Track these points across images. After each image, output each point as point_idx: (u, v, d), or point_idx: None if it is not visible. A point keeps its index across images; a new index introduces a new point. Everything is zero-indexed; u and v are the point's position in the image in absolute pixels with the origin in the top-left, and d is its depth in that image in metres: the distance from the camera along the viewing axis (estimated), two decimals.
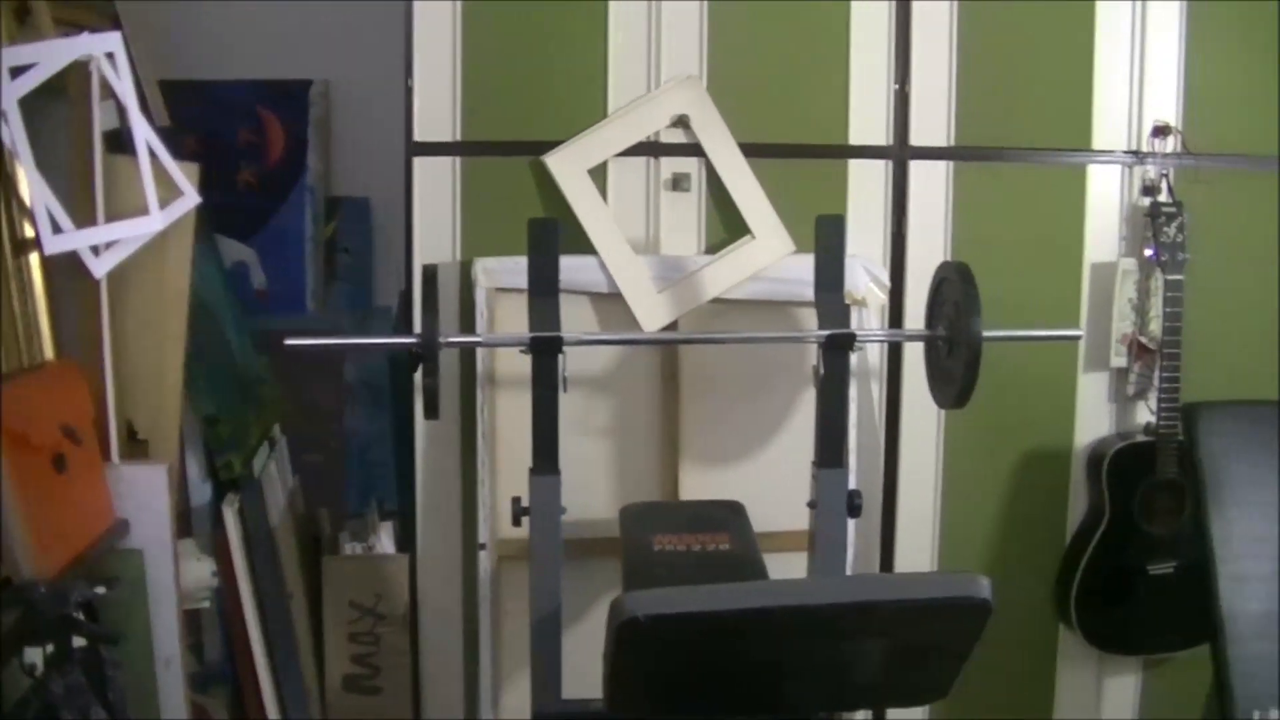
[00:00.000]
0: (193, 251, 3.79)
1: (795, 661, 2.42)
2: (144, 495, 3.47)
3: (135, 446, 3.60)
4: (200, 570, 3.75)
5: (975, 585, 2.40)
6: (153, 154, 3.66)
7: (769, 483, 4.31)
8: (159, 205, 3.63)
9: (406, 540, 4.41)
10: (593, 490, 4.29)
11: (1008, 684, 4.64)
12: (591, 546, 4.23)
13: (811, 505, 3.84)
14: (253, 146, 4.89)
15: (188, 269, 3.73)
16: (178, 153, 3.75)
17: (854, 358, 4.19)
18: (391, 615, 4.36)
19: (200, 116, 4.84)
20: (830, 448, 3.78)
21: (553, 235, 3.75)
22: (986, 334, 3.61)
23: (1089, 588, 4.44)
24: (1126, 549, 4.43)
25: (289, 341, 3.64)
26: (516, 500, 3.74)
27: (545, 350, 3.65)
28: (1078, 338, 4.08)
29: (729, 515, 3.93)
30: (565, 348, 3.66)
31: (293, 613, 4.19)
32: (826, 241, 3.82)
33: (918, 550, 4.52)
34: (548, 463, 3.69)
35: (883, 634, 2.44)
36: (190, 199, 3.70)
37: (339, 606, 4.35)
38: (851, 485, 4.15)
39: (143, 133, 3.64)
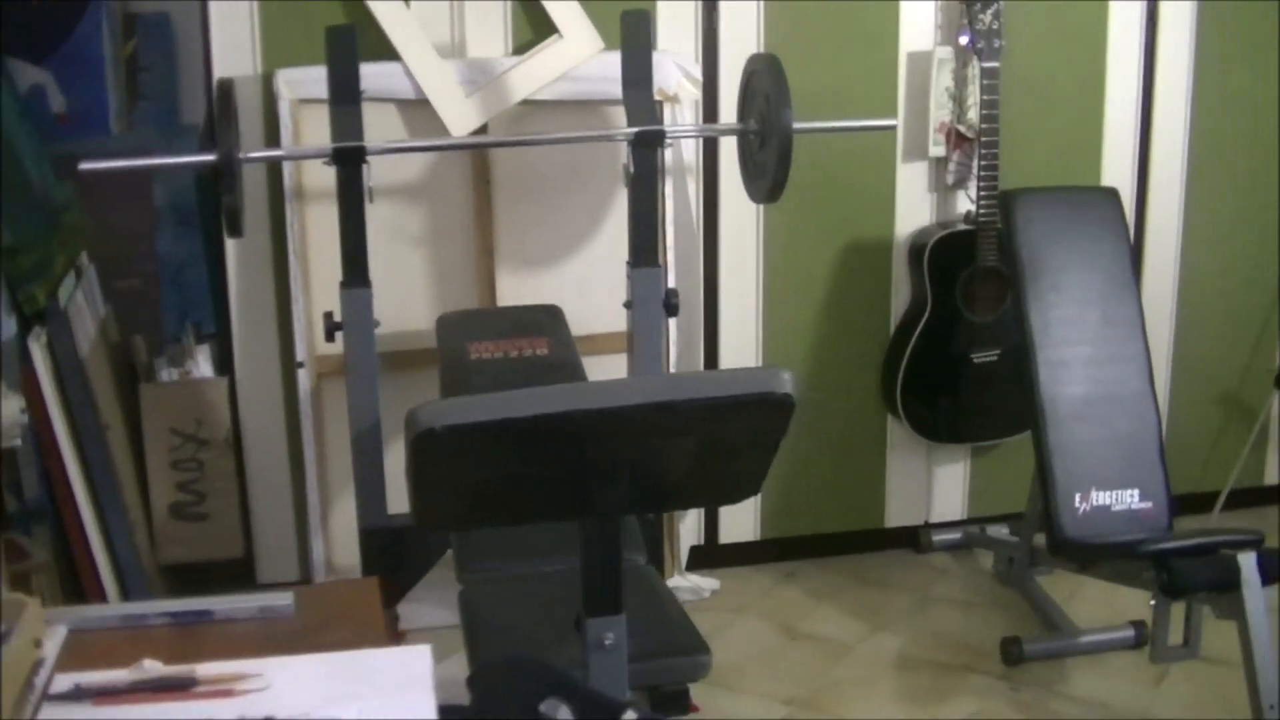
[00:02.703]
0: None
1: (600, 465, 2.38)
2: None
3: None
4: (9, 408, 3.63)
5: (776, 380, 2.37)
6: None
7: (587, 285, 4.28)
8: None
9: (225, 363, 4.32)
10: (410, 301, 4.23)
11: (840, 475, 4.70)
12: (411, 358, 4.19)
13: (628, 306, 3.80)
14: None
15: None
16: None
17: (668, 155, 4.16)
18: (214, 440, 4.27)
19: None
20: (644, 247, 3.74)
21: (350, 42, 3.65)
22: (797, 126, 3.57)
23: (914, 378, 4.47)
24: (950, 338, 4.45)
25: (84, 165, 3.54)
26: (328, 315, 3.68)
27: (349, 161, 3.56)
28: (891, 127, 4.04)
29: (546, 319, 3.90)
30: (370, 157, 3.58)
31: (111, 444, 4.08)
32: (632, 37, 3.75)
33: (742, 346, 4.52)
34: (357, 275, 3.63)
35: (686, 434, 2.40)
36: None
37: (159, 434, 4.25)
38: (670, 284, 4.13)
39: None
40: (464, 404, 2.34)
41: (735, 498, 2.65)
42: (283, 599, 2.24)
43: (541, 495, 2.49)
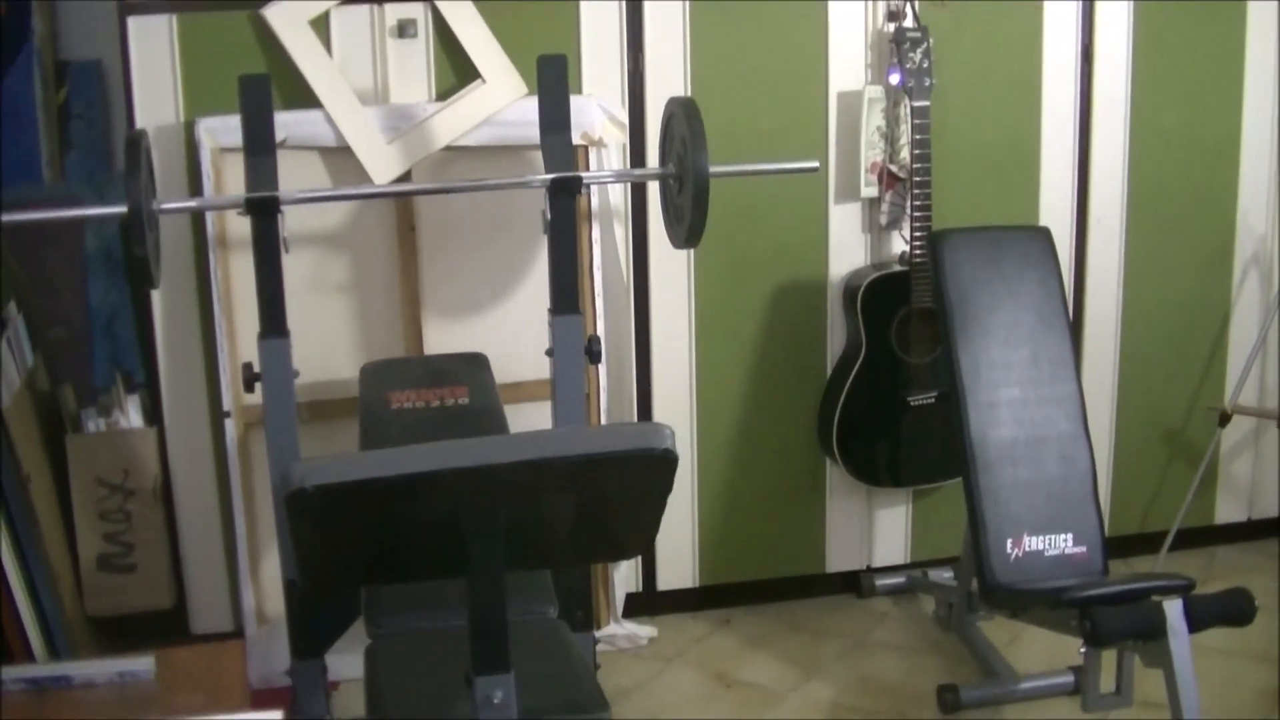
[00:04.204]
0: None
1: (481, 523, 2.34)
2: None
3: None
4: None
5: (656, 436, 2.32)
6: None
7: (514, 332, 4.25)
8: None
9: (155, 412, 4.28)
10: (336, 350, 4.20)
11: (779, 520, 4.65)
12: (337, 407, 4.16)
13: (550, 354, 3.76)
14: None
15: None
16: None
17: (594, 200, 4.13)
18: (141, 490, 4.23)
19: None
20: (564, 294, 3.69)
21: (264, 91, 3.60)
22: (714, 169, 3.51)
23: (850, 423, 4.42)
24: (886, 381, 4.41)
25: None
26: (248, 366, 3.62)
27: (263, 211, 3.51)
28: (813, 169, 3.96)
29: (469, 368, 3.86)
30: (285, 207, 3.53)
31: (35, 496, 4.04)
32: (550, 82, 3.71)
33: (675, 392, 4.48)
34: (274, 325, 3.57)
35: (563, 490, 2.36)
36: None
37: (86, 485, 4.20)
38: (600, 331, 4.10)
39: None
40: (335, 463, 2.30)
41: (624, 554, 2.62)
42: (143, 663, 2.21)
43: (421, 553, 2.45)
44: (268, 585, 4.23)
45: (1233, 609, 3.50)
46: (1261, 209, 4.79)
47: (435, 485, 2.26)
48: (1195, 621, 3.42)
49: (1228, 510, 5.01)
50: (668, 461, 2.33)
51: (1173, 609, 3.41)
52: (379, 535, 2.38)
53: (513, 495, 2.34)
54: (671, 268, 4.37)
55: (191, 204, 3.90)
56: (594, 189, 4.18)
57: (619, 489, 2.40)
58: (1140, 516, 4.87)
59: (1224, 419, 4.70)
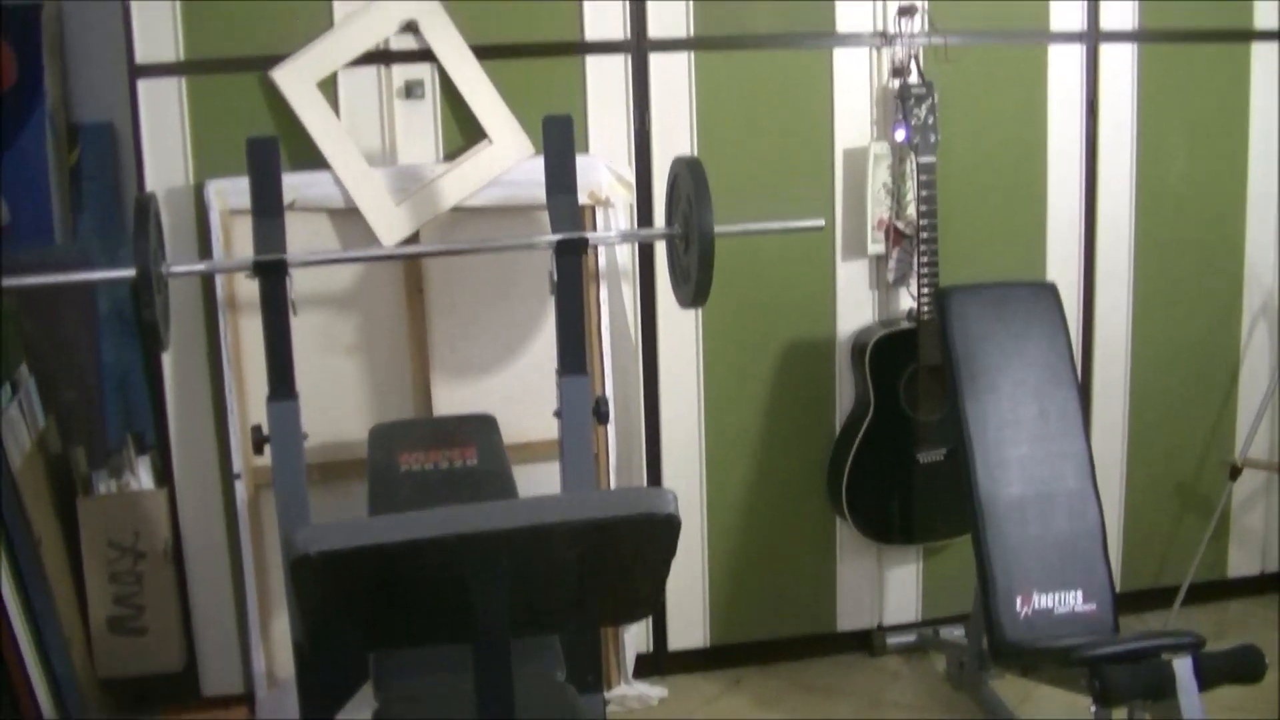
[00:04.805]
0: None
1: (485, 588, 2.34)
2: None
3: None
4: None
5: (659, 501, 2.32)
6: None
7: (524, 392, 4.25)
8: None
9: (166, 474, 4.29)
10: (345, 411, 4.20)
11: (790, 579, 4.63)
12: (345, 469, 4.16)
13: (558, 415, 3.76)
14: None
15: None
16: None
17: (603, 259, 4.14)
18: (152, 552, 4.23)
19: None
20: (571, 355, 3.70)
21: (272, 153, 3.62)
22: (720, 229, 3.53)
23: (859, 481, 4.42)
24: (895, 439, 4.40)
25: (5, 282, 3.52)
26: (257, 429, 3.64)
27: (270, 273, 3.53)
28: (818, 228, 3.94)
29: (477, 429, 3.86)
30: (293, 270, 3.55)
31: (46, 558, 4.04)
32: (555, 142, 3.73)
33: (684, 451, 4.47)
34: (283, 387, 3.58)
35: (570, 555, 2.36)
36: None
37: (97, 547, 4.21)
38: (608, 391, 4.10)
39: None
40: (338, 529, 2.30)
41: (629, 618, 2.62)
42: None
43: (425, 618, 2.45)
44: (278, 647, 4.22)
45: (1243, 667, 3.48)
46: (1269, 261, 4.79)
47: (438, 551, 2.27)
48: (1205, 679, 3.41)
49: (1240, 564, 5.00)
50: (671, 526, 2.34)
51: (1182, 667, 3.39)
52: (384, 600, 2.38)
53: (516, 561, 2.34)
54: (679, 326, 4.38)
55: (200, 267, 3.91)
56: (601, 249, 4.19)
57: (623, 554, 2.41)
58: (1153, 571, 4.86)
59: (1234, 472, 4.70)
